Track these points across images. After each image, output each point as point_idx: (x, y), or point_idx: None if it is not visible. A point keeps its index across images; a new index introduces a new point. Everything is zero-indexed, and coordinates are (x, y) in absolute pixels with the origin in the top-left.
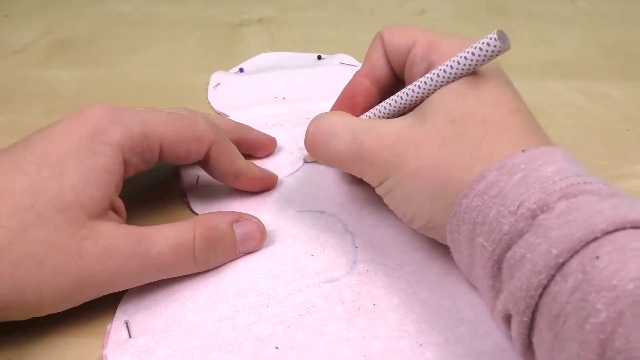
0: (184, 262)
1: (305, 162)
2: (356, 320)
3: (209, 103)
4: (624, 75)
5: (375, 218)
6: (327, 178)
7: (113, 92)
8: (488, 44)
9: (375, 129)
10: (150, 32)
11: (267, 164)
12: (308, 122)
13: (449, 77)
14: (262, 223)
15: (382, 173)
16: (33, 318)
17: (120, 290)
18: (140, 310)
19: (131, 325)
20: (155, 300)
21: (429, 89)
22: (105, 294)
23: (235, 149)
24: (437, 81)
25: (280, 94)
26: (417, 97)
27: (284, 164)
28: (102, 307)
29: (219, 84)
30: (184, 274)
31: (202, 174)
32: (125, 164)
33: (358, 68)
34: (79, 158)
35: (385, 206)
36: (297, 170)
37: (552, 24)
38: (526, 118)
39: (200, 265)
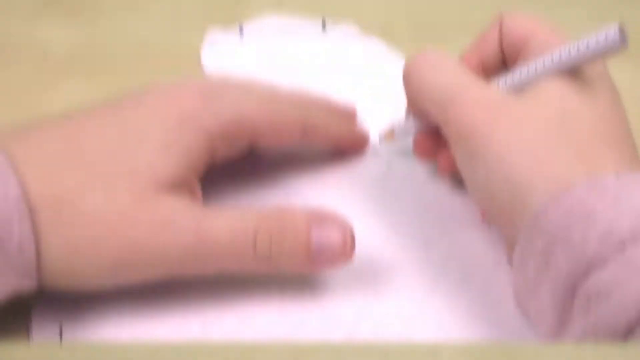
0: (241, 252)
1: (380, 143)
2: None
3: (203, 65)
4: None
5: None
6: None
7: (107, 53)
8: (606, 37)
9: (477, 84)
10: None
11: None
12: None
13: (558, 66)
14: (351, 228)
15: (467, 131)
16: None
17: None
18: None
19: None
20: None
21: (536, 75)
22: (154, 277)
23: (327, 116)
24: (545, 68)
25: (281, 71)
26: (524, 80)
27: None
28: None
29: (214, 43)
30: (244, 268)
31: None
32: (213, 150)
33: (361, 42)
34: (162, 134)
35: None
36: None
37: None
38: (630, 139)
39: (260, 262)
